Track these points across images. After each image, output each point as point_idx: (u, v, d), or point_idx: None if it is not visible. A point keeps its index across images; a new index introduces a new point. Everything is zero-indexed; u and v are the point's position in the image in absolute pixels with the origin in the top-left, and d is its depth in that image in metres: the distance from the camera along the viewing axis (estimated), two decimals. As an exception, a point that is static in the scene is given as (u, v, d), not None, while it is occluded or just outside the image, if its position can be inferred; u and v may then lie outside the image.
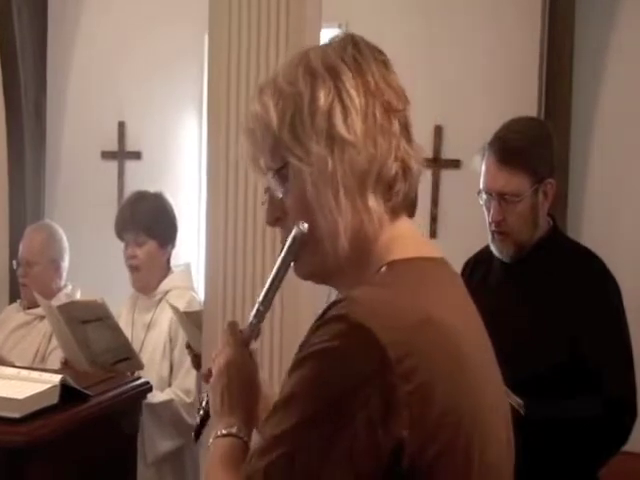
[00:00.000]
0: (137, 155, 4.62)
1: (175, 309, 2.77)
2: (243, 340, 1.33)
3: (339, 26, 4.00)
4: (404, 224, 1.17)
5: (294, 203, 1.15)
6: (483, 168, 2.22)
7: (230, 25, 2.30)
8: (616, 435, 2.09)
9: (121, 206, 3.28)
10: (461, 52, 3.81)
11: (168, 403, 2.87)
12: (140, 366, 2.78)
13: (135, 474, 2.30)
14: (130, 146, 4.62)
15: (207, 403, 1.35)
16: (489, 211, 2.21)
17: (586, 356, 2.09)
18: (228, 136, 2.29)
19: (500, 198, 2.18)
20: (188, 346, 2.66)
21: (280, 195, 1.16)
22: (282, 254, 1.19)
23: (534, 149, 2.20)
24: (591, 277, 2.19)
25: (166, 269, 3.19)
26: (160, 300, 3.08)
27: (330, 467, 0.97)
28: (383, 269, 1.10)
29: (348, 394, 0.96)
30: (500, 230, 2.20)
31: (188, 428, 2.93)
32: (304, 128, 1.12)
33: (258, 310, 1.30)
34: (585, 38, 3.74)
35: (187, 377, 2.94)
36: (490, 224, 2.22)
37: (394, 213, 1.15)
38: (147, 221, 3.11)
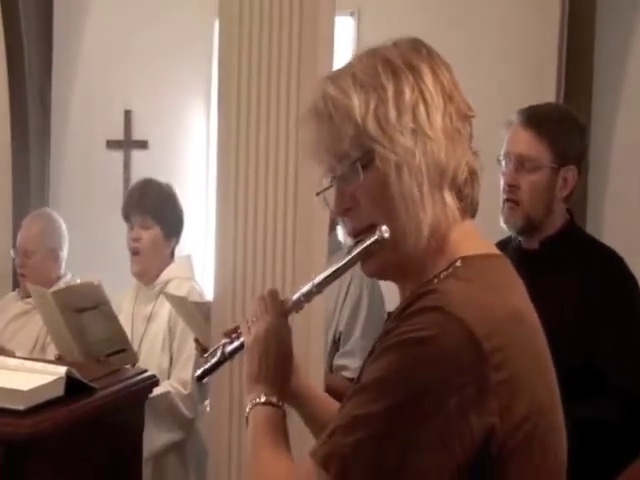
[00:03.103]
0: (143, 144, 4.58)
1: (178, 298, 2.74)
2: (284, 311, 1.37)
3: (351, 14, 3.96)
4: (471, 224, 1.22)
5: (372, 194, 1.16)
6: (507, 136, 2.19)
7: (241, 11, 2.25)
8: (636, 439, 2.04)
9: (130, 189, 3.28)
10: (477, 42, 3.76)
11: (164, 396, 2.83)
12: (135, 359, 2.74)
13: (140, 469, 2.26)
14: (136, 135, 4.59)
15: (228, 351, 1.43)
16: (504, 176, 2.18)
17: (603, 358, 2.04)
18: (239, 125, 2.25)
19: (518, 162, 2.15)
20: (196, 340, 2.62)
21: (354, 184, 1.17)
22: (356, 251, 1.20)
23: (563, 127, 2.19)
24: (609, 275, 2.14)
25: (168, 261, 3.16)
26: (160, 291, 3.06)
27: (421, 449, 1.02)
28: (458, 263, 1.15)
29: (443, 381, 1.02)
30: (511, 197, 2.17)
31: (185, 421, 2.91)
32: (388, 121, 1.14)
33: (310, 291, 1.33)
34: (606, 31, 3.68)
35: (184, 369, 2.92)
36: (503, 190, 2.18)
37: (462, 213, 1.20)
38: (155, 206, 3.10)
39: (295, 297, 1.35)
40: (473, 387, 1.02)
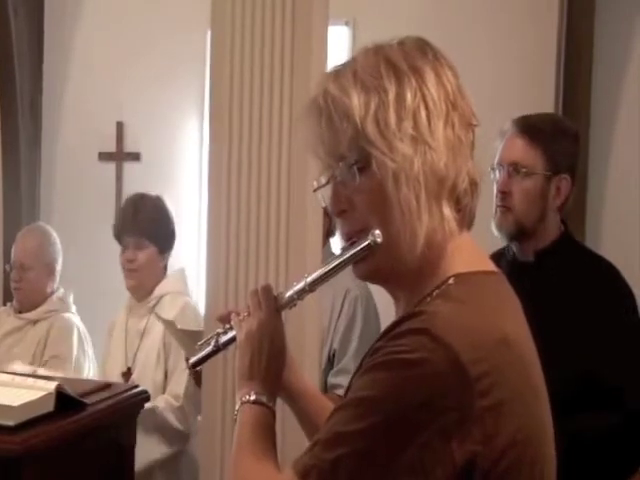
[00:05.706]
0: (136, 156, 4.55)
1: (167, 322, 2.72)
2: (277, 307, 1.35)
3: (346, 23, 3.95)
4: (467, 236, 1.19)
5: (368, 199, 1.14)
6: (501, 145, 2.20)
7: (233, 23, 2.24)
8: (634, 449, 2.03)
9: (122, 208, 3.25)
10: (472, 51, 3.73)
11: (151, 410, 2.79)
12: None
13: (132, 484, 2.25)
14: (129, 147, 4.56)
15: (221, 342, 1.42)
16: (497, 184, 2.19)
17: (601, 371, 2.03)
18: (231, 137, 2.25)
19: (511, 168, 2.16)
20: (187, 360, 2.60)
21: (351, 187, 1.15)
22: (348, 253, 1.19)
23: (557, 135, 2.19)
24: (603, 287, 2.13)
25: (162, 275, 3.17)
26: (154, 306, 3.05)
27: (400, 472, 1.00)
28: (451, 281, 1.12)
29: (425, 405, 1.00)
30: (503, 203, 2.18)
31: (177, 434, 2.90)
32: (388, 125, 1.11)
33: (303, 289, 1.31)
34: (605, 36, 3.65)
35: (179, 383, 2.92)
36: (496, 196, 2.19)
37: (460, 225, 1.17)
38: (149, 226, 3.09)
39: (288, 294, 1.34)
40: (456, 413, 1.00)
